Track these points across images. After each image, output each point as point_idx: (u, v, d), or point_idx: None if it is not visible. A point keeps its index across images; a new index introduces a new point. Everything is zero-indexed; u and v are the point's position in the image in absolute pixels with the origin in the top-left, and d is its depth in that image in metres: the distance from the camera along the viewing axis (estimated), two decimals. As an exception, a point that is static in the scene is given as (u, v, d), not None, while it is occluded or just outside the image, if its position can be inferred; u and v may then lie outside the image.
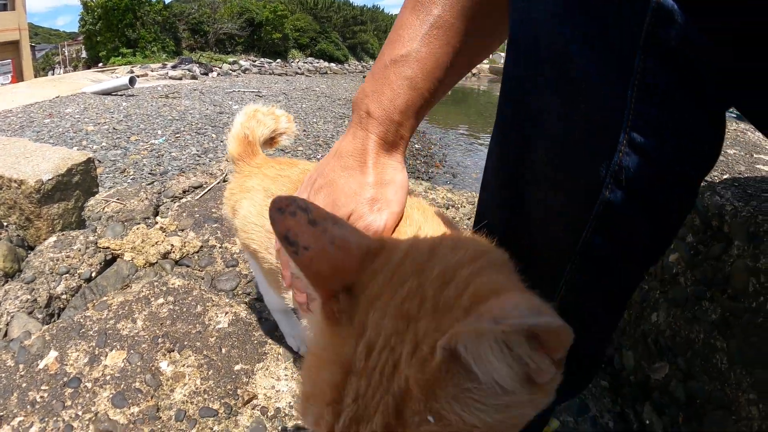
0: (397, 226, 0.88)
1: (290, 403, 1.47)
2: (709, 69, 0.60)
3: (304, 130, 7.99)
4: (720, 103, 0.66)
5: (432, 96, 0.90)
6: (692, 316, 1.37)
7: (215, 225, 2.44)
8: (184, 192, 2.93)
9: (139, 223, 2.50)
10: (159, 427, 1.38)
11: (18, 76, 23.06)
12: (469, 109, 19.06)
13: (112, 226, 2.50)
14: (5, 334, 1.86)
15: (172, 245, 2.23)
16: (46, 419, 1.39)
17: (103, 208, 2.70)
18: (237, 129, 1.51)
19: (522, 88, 0.76)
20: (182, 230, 2.39)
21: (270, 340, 1.69)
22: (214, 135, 7.36)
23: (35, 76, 23.49)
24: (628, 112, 0.63)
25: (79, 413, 1.41)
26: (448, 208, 2.83)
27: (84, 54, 29.52)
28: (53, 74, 25.53)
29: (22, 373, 1.55)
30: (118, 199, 2.73)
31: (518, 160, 0.78)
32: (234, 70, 22.50)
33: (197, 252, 2.24)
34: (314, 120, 8.82)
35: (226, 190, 1.55)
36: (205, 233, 2.37)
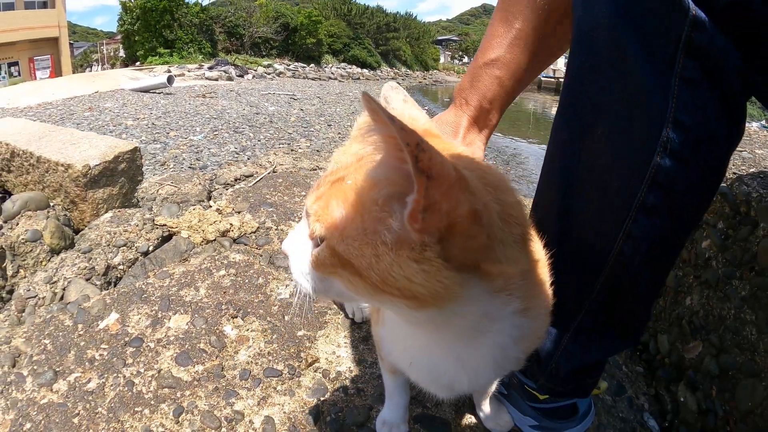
0: None
1: (350, 367, 1.53)
2: (729, 65, 0.82)
3: (339, 133, 8.04)
4: (739, 92, 0.86)
5: (514, 92, 1.20)
6: (723, 295, 1.46)
7: (271, 209, 2.51)
8: (236, 180, 3.01)
9: (194, 205, 2.58)
10: (223, 384, 1.44)
11: (57, 72, 23.48)
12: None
13: (168, 207, 2.58)
14: (61, 298, 1.93)
15: (231, 224, 2.30)
16: (106, 375, 1.45)
17: (157, 191, 2.78)
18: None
19: (581, 80, 0.96)
20: (238, 212, 2.46)
21: (330, 311, 1.75)
22: (251, 134, 7.45)
23: (73, 73, 23.86)
24: (672, 99, 0.83)
25: (141, 370, 1.48)
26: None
27: (122, 53, 29.97)
28: (91, 71, 25.90)
29: (81, 332, 1.62)
30: (171, 183, 2.82)
31: (580, 139, 0.98)
32: (269, 74, 22.69)
33: (254, 232, 2.30)
34: (348, 124, 8.87)
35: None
36: (261, 216, 2.44)
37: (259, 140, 7.06)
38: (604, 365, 1.27)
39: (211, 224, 2.30)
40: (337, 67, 34.92)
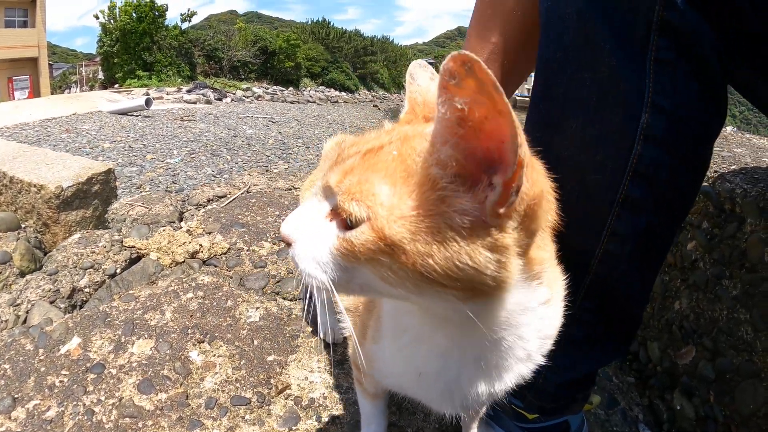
0: None
1: (324, 393, 1.46)
2: (705, 44, 0.79)
3: (317, 155, 8.02)
4: (719, 72, 0.83)
5: None
6: (714, 296, 1.43)
7: (242, 229, 2.46)
8: (208, 201, 2.96)
9: (164, 226, 2.51)
10: (188, 413, 1.37)
11: (35, 92, 23.36)
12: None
13: (138, 228, 2.52)
14: (24, 321, 1.85)
15: (200, 245, 2.24)
16: (65, 403, 1.38)
17: (128, 212, 2.72)
18: None
19: (550, 72, 0.92)
20: (209, 233, 2.40)
21: (302, 335, 1.69)
22: (229, 157, 7.42)
23: (52, 94, 23.78)
24: (648, 82, 0.80)
25: (102, 398, 1.40)
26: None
27: (101, 75, 29.89)
28: (69, 93, 25.81)
29: (41, 357, 1.55)
30: (142, 204, 2.76)
31: (556, 133, 0.93)
32: (247, 97, 22.71)
33: (225, 253, 2.25)
34: None
35: None
36: (233, 236, 2.39)
37: (236, 163, 7.03)
38: (595, 377, 1.21)
39: (180, 245, 2.24)
40: (315, 91, 35.12)
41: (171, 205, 2.81)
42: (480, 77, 0.47)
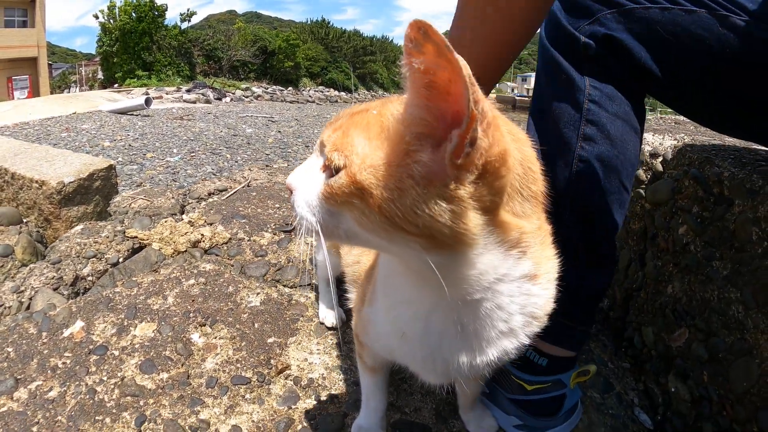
0: None
1: (323, 374, 1.50)
2: (625, 68, 1.22)
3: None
4: (637, 89, 1.28)
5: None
6: (705, 278, 1.46)
7: (243, 221, 2.49)
8: (209, 194, 2.98)
9: (166, 218, 2.54)
10: (189, 392, 1.41)
11: (34, 92, 23.32)
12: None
13: (140, 219, 2.55)
14: (27, 307, 1.88)
15: (202, 235, 2.28)
16: (68, 383, 1.41)
17: (130, 204, 2.74)
18: None
19: (539, 79, 1.37)
20: (210, 224, 2.43)
21: (302, 318, 1.73)
22: (228, 155, 7.42)
23: (51, 93, 23.73)
24: (585, 95, 1.24)
25: (104, 378, 1.44)
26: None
27: (100, 74, 29.85)
28: (69, 92, 25.75)
29: (45, 340, 1.58)
30: (144, 197, 2.79)
31: (545, 135, 1.31)
32: (246, 96, 22.69)
33: (226, 243, 2.28)
34: None
35: None
36: (234, 227, 2.42)
37: (236, 161, 7.04)
38: (597, 301, 1.40)
39: (182, 235, 2.27)
40: (315, 90, 35.10)
41: (173, 198, 2.84)
42: (435, 40, 0.52)
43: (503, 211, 0.68)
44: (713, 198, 1.51)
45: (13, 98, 19.80)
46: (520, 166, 0.70)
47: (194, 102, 17.23)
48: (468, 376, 0.93)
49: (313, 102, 27.13)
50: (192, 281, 1.88)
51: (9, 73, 23.45)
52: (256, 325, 1.67)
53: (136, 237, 2.33)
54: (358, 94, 41.64)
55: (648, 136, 1.99)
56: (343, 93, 38.03)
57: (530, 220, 0.73)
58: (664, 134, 1.98)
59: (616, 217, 1.28)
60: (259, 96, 24.03)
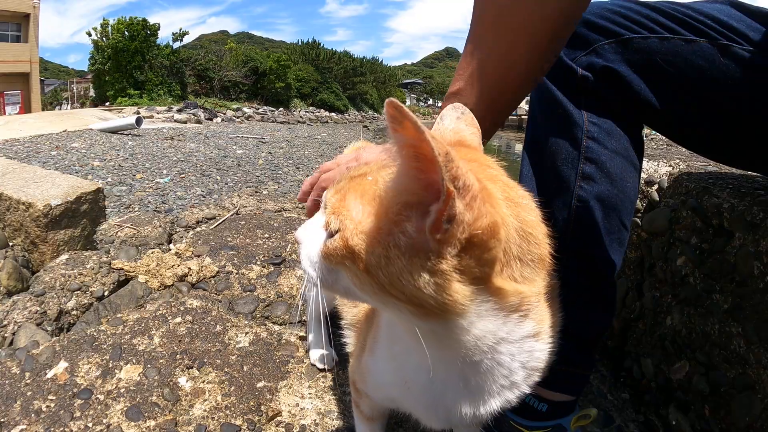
0: None
1: (315, 420, 1.45)
2: (624, 101, 1.21)
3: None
4: (635, 121, 1.27)
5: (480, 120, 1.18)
6: (705, 311, 1.45)
7: (231, 252, 2.45)
8: (197, 222, 2.95)
9: (153, 248, 2.51)
10: (177, 442, 1.35)
11: (26, 108, 23.33)
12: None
13: (126, 249, 2.51)
14: (11, 343, 1.83)
15: (189, 268, 2.24)
16: (52, 429, 1.36)
17: (116, 233, 2.70)
18: None
19: (533, 115, 1.35)
20: (198, 256, 2.40)
21: (292, 360, 1.68)
22: (218, 177, 7.41)
23: (43, 110, 23.73)
24: (584, 131, 1.22)
25: (89, 425, 1.38)
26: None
27: (92, 92, 29.87)
28: (60, 109, 25.75)
29: (28, 381, 1.54)
30: (131, 225, 2.75)
31: (541, 172, 1.31)
32: (237, 117, 22.74)
33: (214, 276, 2.24)
34: (317, 166, 8.86)
35: None
36: (222, 259, 2.38)
37: (226, 183, 7.03)
38: (597, 343, 1.36)
39: (169, 268, 2.23)
40: (305, 111, 35.32)
41: (160, 226, 2.80)
42: (409, 119, 0.54)
43: (499, 278, 0.67)
44: (712, 229, 1.50)
45: (4, 113, 19.82)
46: (518, 233, 0.70)
47: (185, 122, 17.24)
48: (470, 425, 0.96)
49: (304, 123, 27.24)
50: (179, 319, 1.84)
51: (1, 88, 23.45)
52: (245, 368, 1.62)
53: (122, 269, 2.28)
54: (349, 115, 41.89)
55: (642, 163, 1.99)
56: (333, 114, 38.26)
57: (532, 284, 0.72)
58: (659, 160, 1.96)
59: (614, 258, 1.25)
60: (249, 117, 24.11)
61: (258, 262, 2.37)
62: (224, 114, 22.37)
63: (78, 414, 1.42)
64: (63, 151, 8.52)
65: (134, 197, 5.79)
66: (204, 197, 6.09)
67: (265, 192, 4.55)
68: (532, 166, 1.32)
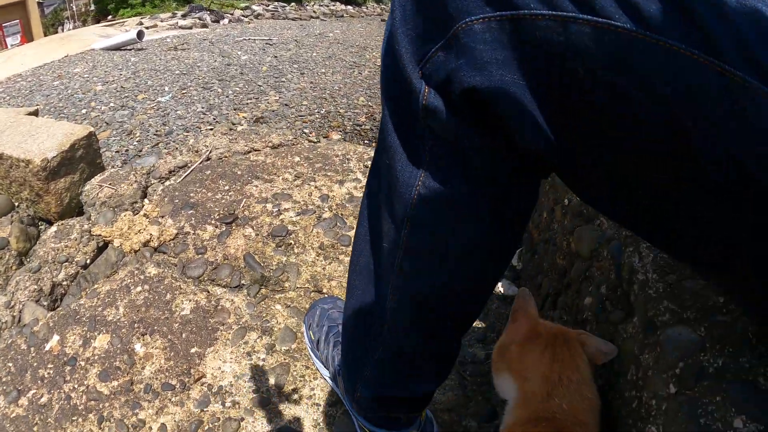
0: None
1: (231, 381, 1.81)
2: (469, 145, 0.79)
3: (311, 82, 7.92)
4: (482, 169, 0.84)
5: None
6: None
7: (191, 211, 2.62)
8: (170, 172, 3.12)
9: (127, 209, 2.75)
10: (132, 397, 1.77)
11: (27, 36, 22.68)
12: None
13: (104, 213, 2.76)
14: (19, 321, 2.22)
15: (151, 234, 2.47)
16: (52, 391, 1.80)
17: (98, 194, 2.90)
18: None
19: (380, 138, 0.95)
20: (162, 217, 2.61)
21: (222, 327, 2.01)
22: (220, 90, 7.38)
23: (45, 34, 23.05)
24: (424, 168, 0.85)
25: (75, 386, 1.82)
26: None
27: (92, 7, 29.24)
28: (62, 30, 25.21)
29: (33, 354, 1.95)
30: (110, 183, 2.95)
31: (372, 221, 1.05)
32: (246, 16, 22.00)
33: (173, 239, 2.46)
34: (323, 71, 8.65)
35: None
36: (181, 220, 2.57)
37: (227, 96, 7.02)
38: (419, 402, 1.26)
39: (136, 233, 2.49)
40: (319, 5, 33.74)
41: (135, 181, 2.98)
42: None
43: None
44: (620, 291, 1.31)
45: (6, 46, 19.34)
46: None
47: (190, 28, 16.88)
48: None
49: (317, 18, 26.18)
50: (139, 288, 2.16)
51: (-1, 21, 22.97)
52: (183, 335, 1.96)
53: (99, 235, 2.57)
54: (366, 7, 40.27)
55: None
56: (349, 7, 36.80)
57: None
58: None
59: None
60: (259, 15, 23.25)
61: (212, 221, 2.55)
62: (232, 14, 21.59)
63: (68, 378, 1.84)
64: (65, 78, 8.55)
65: (136, 121, 5.84)
66: (204, 114, 6.12)
67: (239, 129, 4.52)
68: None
